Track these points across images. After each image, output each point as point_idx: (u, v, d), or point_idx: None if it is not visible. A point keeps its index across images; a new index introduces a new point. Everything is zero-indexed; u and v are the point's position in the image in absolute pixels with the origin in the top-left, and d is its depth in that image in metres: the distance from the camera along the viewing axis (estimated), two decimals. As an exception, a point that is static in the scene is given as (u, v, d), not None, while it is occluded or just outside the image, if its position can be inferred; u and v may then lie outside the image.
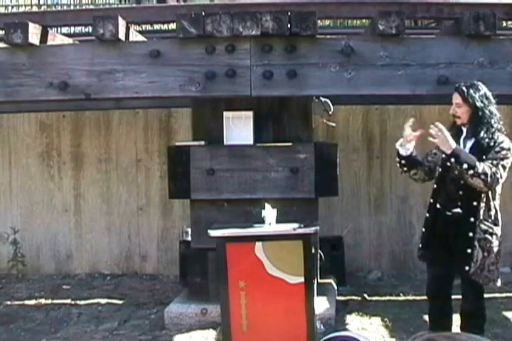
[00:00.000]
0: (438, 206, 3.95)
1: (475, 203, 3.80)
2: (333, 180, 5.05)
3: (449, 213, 3.88)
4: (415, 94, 4.50)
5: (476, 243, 3.79)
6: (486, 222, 3.82)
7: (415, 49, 4.32)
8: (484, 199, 3.82)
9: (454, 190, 3.87)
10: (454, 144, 3.72)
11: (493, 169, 3.72)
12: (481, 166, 3.68)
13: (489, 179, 3.70)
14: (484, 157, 3.77)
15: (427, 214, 4.05)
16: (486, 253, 3.80)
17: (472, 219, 3.80)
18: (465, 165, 3.68)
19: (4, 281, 6.56)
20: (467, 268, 3.79)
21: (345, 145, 6.33)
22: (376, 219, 6.62)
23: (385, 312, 5.15)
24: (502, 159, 3.77)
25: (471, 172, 3.68)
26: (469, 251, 3.78)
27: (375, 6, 4.58)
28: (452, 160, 3.72)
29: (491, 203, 3.84)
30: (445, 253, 3.94)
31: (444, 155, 3.84)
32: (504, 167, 3.77)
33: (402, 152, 3.97)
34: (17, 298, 5.92)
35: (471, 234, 3.79)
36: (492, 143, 3.80)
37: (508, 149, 3.79)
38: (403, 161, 4.00)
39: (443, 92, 4.04)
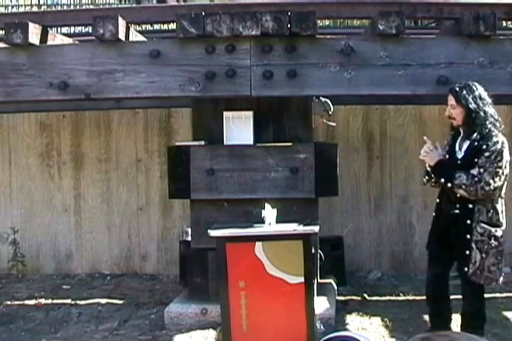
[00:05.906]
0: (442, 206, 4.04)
1: (470, 205, 3.84)
2: (333, 180, 5.05)
3: (449, 213, 3.94)
4: (415, 94, 4.49)
5: (473, 245, 3.81)
6: (482, 224, 3.82)
7: (415, 49, 4.32)
8: (481, 202, 3.82)
9: (452, 192, 3.90)
10: (435, 161, 3.92)
11: (476, 178, 3.74)
12: (458, 179, 3.78)
13: (471, 189, 3.76)
14: (476, 160, 3.78)
15: (434, 213, 4.15)
16: (484, 255, 3.81)
17: (469, 222, 3.83)
18: (442, 180, 3.88)
19: (4, 281, 6.56)
20: (466, 269, 3.84)
21: (345, 145, 6.32)
22: (376, 219, 6.61)
23: (385, 312, 5.14)
24: (492, 164, 3.75)
25: (449, 185, 3.84)
26: (467, 252, 3.82)
27: (375, 6, 4.57)
28: (432, 175, 3.98)
29: (490, 205, 3.84)
30: (445, 253, 3.98)
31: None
32: (496, 173, 3.75)
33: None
34: (17, 298, 5.91)
35: (468, 236, 3.82)
36: (484, 147, 3.78)
37: (500, 152, 3.76)
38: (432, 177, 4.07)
39: (443, 92, 4.04)
